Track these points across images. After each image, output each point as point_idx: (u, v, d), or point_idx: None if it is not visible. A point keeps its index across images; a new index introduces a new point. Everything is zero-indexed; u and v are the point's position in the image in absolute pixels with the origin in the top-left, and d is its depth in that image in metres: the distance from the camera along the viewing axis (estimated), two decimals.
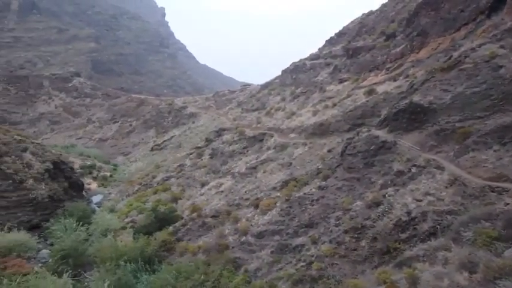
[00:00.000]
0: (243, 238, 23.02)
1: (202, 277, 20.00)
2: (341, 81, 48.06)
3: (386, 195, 19.39)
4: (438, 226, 16.05)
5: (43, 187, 32.71)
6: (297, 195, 24.19)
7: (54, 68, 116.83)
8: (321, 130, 33.90)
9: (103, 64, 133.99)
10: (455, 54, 25.18)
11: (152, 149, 62.18)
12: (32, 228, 29.38)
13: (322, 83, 52.43)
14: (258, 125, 46.64)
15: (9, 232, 25.86)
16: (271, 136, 38.12)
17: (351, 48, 53.24)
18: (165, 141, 62.94)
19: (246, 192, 29.30)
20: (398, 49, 38.82)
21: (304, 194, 23.95)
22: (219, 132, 45.80)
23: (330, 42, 69.24)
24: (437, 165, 19.19)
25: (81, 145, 74.45)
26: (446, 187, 17.80)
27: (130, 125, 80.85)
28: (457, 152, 19.32)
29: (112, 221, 30.09)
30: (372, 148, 22.86)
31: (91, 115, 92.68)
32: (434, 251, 14.99)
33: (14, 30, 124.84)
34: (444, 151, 20.16)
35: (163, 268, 22.24)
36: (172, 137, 63.56)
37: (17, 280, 20.09)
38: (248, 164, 34.20)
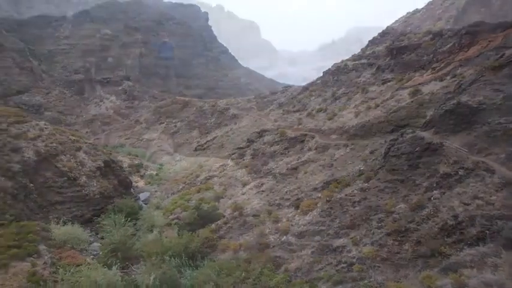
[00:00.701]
0: (284, 237, 23.28)
1: (243, 274, 20.48)
2: (384, 81, 46.98)
3: (432, 198, 18.87)
4: (487, 231, 15.45)
5: (95, 184, 34.94)
6: (338, 197, 24.09)
7: (105, 73, 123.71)
8: (363, 131, 33.39)
9: (150, 68, 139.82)
10: (508, 52, 23.90)
11: (196, 149, 64.01)
12: (85, 222, 31.46)
13: (365, 83, 51.50)
14: (299, 126, 46.64)
15: (64, 225, 27.85)
16: (312, 137, 38.04)
17: (395, 48, 51.87)
18: (208, 141, 64.57)
19: (286, 192, 29.53)
20: (445, 48, 37.38)
21: (346, 195, 23.80)
22: (261, 133, 46.33)
23: (373, 42, 67.75)
24: (487, 168, 18.39)
25: (129, 145, 78.14)
26: (496, 191, 17.05)
27: (175, 126, 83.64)
28: (509, 155, 18.39)
29: (158, 218, 31.46)
30: (416, 150, 22.28)
31: (138, 116, 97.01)
32: (482, 257, 14.48)
33: (69, 38, 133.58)
34: (494, 153, 19.27)
35: (206, 264, 22.97)
36: (215, 137, 65.07)
37: (71, 270, 21.69)
38: (289, 165, 34.38)
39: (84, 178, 34.46)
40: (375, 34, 72.33)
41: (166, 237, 27.12)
